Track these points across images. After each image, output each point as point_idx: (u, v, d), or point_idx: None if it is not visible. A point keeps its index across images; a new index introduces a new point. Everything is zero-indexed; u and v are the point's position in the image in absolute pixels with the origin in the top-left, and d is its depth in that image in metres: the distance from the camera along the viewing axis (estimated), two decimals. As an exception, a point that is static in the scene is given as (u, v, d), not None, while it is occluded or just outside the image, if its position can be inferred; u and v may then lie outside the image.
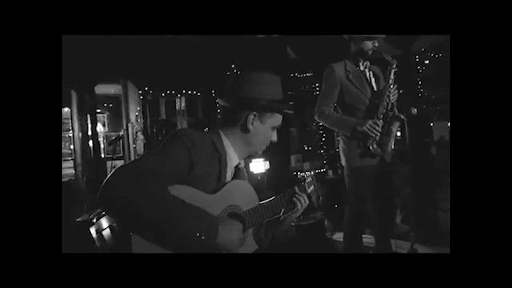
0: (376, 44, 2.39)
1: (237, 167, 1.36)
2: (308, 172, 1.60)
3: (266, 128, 1.30)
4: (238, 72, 4.64)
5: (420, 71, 5.69)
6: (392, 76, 2.39)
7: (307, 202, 1.46)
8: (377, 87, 2.47)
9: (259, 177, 3.90)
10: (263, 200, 1.39)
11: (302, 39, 3.78)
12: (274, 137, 1.35)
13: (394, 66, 2.38)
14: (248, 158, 4.52)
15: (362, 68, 2.47)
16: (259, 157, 4.16)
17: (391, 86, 2.38)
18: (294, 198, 1.40)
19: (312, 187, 1.55)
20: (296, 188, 1.43)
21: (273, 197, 1.40)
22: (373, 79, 2.49)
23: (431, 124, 5.98)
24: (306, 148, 5.91)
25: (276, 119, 1.32)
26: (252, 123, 1.27)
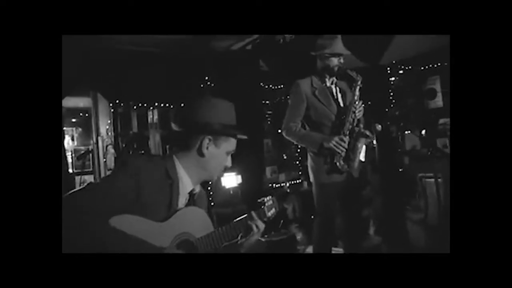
0: (342, 61, 2.42)
1: (191, 193, 1.34)
2: (270, 196, 1.58)
3: (221, 152, 1.31)
4: (208, 85, 4.62)
5: (392, 82, 5.83)
6: (357, 92, 2.40)
7: (263, 226, 1.45)
8: (343, 103, 2.48)
9: (231, 191, 3.84)
10: (236, 217, 1.39)
11: (274, 52, 3.79)
12: (229, 162, 1.36)
13: (359, 82, 2.40)
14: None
15: (328, 84, 2.48)
16: (231, 171, 4.12)
17: (356, 102, 2.40)
18: (249, 223, 1.38)
19: (273, 210, 1.54)
20: (252, 213, 1.42)
21: (232, 222, 1.38)
22: (339, 95, 2.50)
23: (406, 132, 6.12)
24: (284, 158, 5.93)
25: (231, 144, 1.33)
26: (207, 147, 1.27)
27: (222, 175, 3.97)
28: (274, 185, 5.64)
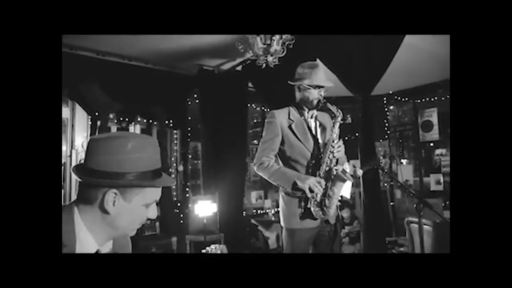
0: (323, 93, 2.12)
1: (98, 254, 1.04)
2: (217, 244, 1.33)
3: (134, 206, 1.00)
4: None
5: (388, 113, 5.66)
6: (336, 130, 2.11)
7: None
8: (322, 140, 2.18)
9: (204, 221, 3.56)
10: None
11: (261, 75, 3.61)
12: (151, 213, 1.05)
13: (339, 118, 2.11)
14: (195, 196, 4.09)
15: (307, 117, 2.19)
16: (206, 198, 3.87)
17: (335, 141, 2.11)
18: None
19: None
20: None
21: None
22: (318, 131, 2.20)
23: (401, 162, 5.93)
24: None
25: (150, 195, 1.02)
26: (113, 203, 0.98)
27: (196, 203, 3.72)
28: (258, 211, 5.38)
